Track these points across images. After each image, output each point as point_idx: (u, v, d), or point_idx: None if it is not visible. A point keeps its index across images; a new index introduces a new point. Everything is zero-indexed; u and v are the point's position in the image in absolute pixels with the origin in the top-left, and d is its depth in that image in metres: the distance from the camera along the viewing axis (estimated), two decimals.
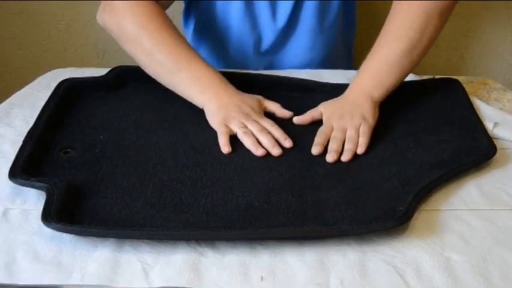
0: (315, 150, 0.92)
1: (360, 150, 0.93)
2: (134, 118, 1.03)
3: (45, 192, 0.83)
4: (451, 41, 1.76)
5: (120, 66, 1.15)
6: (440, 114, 1.04)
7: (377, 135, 0.98)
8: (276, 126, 0.96)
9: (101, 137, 0.98)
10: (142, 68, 1.05)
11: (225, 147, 0.92)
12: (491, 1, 1.68)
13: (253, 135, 0.94)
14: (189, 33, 1.32)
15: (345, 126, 0.96)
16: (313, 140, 0.95)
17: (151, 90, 1.09)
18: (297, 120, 0.99)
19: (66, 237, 0.78)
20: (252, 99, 1.01)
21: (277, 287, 0.71)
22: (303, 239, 0.78)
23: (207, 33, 1.29)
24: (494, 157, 0.93)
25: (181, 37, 1.05)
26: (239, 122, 0.95)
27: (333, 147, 0.92)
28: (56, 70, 1.23)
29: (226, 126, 0.95)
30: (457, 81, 1.12)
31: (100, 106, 1.07)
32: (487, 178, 0.90)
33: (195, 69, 1.01)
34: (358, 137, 0.94)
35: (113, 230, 0.78)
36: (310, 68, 1.25)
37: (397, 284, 0.71)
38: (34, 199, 0.85)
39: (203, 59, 1.04)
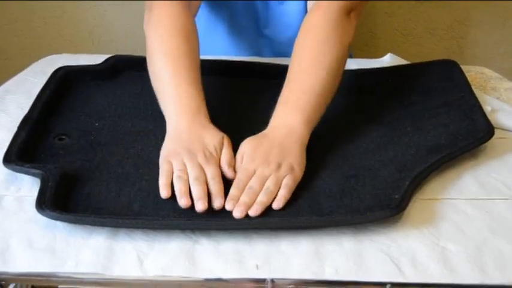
0: (229, 206, 0.79)
1: (277, 204, 0.80)
2: (130, 105, 1.03)
3: (40, 179, 0.82)
4: (448, 30, 1.76)
5: (115, 55, 1.14)
6: (438, 96, 1.04)
7: (374, 119, 0.98)
8: (218, 179, 0.82)
9: (96, 123, 0.98)
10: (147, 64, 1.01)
11: (163, 190, 0.81)
12: None
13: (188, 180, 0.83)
14: None
15: (267, 175, 0.83)
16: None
17: (147, 78, 1.08)
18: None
19: (61, 224, 0.77)
20: (213, 136, 0.88)
21: (272, 276, 0.71)
22: (299, 228, 0.78)
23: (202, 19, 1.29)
24: (491, 147, 0.93)
25: (189, 51, 0.97)
26: (180, 162, 0.84)
27: (244, 200, 0.79)
28: (50, 56, 1.23)
29: (170, 163, 0.84)
30: (454, 62, 1.12)
31: (95, 93, 1.07)
32: (483, 168, 0.90)
33: (180, 86, 0.93)
34: (278, 189, 0.82)
35: (108, 219, 0.77)
36: None
37: (392, 273, 0.71)
38: (29, 186, 0.85)
39: (197, 81, 0.95)
